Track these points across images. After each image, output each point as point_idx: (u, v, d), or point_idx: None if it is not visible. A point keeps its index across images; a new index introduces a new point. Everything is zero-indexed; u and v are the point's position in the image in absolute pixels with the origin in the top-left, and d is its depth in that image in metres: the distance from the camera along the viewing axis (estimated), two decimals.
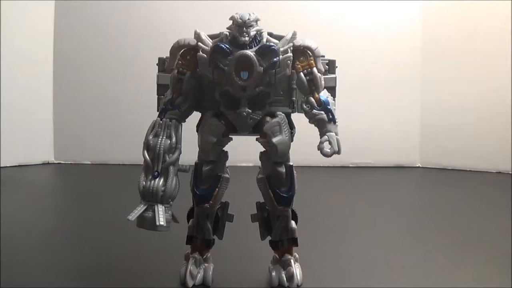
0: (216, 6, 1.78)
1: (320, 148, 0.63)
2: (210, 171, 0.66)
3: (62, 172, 1.78)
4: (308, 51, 0.64)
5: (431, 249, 0.86)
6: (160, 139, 0.63)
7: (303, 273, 0.68)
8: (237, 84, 0.62)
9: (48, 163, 1.87)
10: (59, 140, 1.90)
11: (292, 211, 0.68)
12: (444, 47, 1.86)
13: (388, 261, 0.79)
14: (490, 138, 1.77)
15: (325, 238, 0.92)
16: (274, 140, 0.64)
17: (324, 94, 0.65)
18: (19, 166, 1.77)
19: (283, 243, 0.69)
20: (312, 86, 0.64)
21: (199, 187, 0.66)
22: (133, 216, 0.61)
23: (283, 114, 0.65)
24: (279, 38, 0.64)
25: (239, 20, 0.61)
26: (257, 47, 0.62)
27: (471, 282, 0.70)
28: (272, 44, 0.62)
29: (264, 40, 0.63)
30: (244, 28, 0.61)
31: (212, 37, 0.64)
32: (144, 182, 0.63)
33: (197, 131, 0.67)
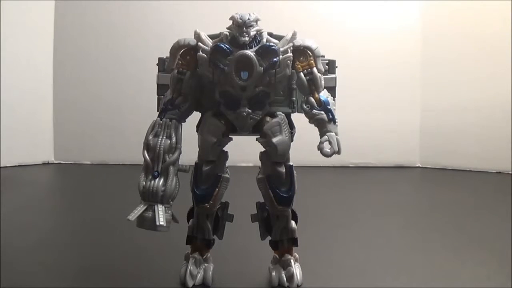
0: (216, 6, 1.78)
1: (320, 148, 0.63)
2: (210, 171, 0.66)
3: (62, 172, 1.78)
4: (308, 51, 0.64)
5: (431, 249, 0.86)
6: (160, 139, 0.63)
7: (303, 273, 0.68)
8: (237, 84, 0.62)
9: (48, 163, 1.87)
10: (59, 140, 1.90)
11: (292, 211, 0.68)
12: (444, 47, 1.86)
13: (387, 261, 0.79)
14: (490, 138, 1.77)
15: (325, 238, 0.92)
16: (274, 140, 0.64)
17: (324, 94, 0.65)
18: (19, 166, 1.77)
19: (283, 243, 0.69)
20: (312, 86, 0.64)
21: (199, 187, 0.66)
22: (133, 216, 0.61)
23: (283, 114, 0.65)
24: (279, 38, 0.64)
25: (239, 20, 0.61)
26: (257, 47, 0.62)
27: (471, 282, 0.70)
28: (272, 44, 0.62)
29: (264, 40, 0.63)
30: (244, 28, 0.61)
31: (212, 37, 0.64)
32: (144, 182, 0.63)
33: (197, 131, 0.67)
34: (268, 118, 0.65)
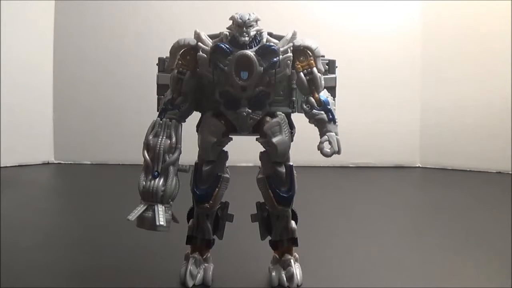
0: (216, 6, 1.78)
1: (320, 148, 0.63)
2: (210, 171, 0.66)
3: (62, 172, 1.78)
4: (308, 51, 0.64)
5: (431, 249, 0.86)
6: (160, 139, 0.63)
7: (303, 273, 0.68)
8: (237, 84, 0.62)
9: (48, 163, 1.87)
10: (59, 140, 1.90)
11: (292, 211, 0.68)
12: (444, 47, 1.85)
13: (388, 261, 0.79)
14: (490, 138, 1.77)
15: (325, 238, 0.92)
16: (274, 140, 0.64)
17: (324, 94, 0.65)
18: (19, 166, 1.77)
19: (283, 243, 0.69)
20: (312, 86, 0.64)
21: (199, 187, 0.66)
22: (133, 216, 0.61)
23: (283, 114, 0.65)
24: (279, 38, 0.64)
25: (239, 20, 0.62)
26: (257, 47, 0.62)
27: (471, 282, 0.70)
28: (272, 44, 0.62)
29: (264, 40, 0.63)
30: (244, 28, 0.61)
31: (212, 37, 0.64)
32: (144, 182, 0.63)
33: (197, 131, 0.67)
34: (268, 118, 0.65)
